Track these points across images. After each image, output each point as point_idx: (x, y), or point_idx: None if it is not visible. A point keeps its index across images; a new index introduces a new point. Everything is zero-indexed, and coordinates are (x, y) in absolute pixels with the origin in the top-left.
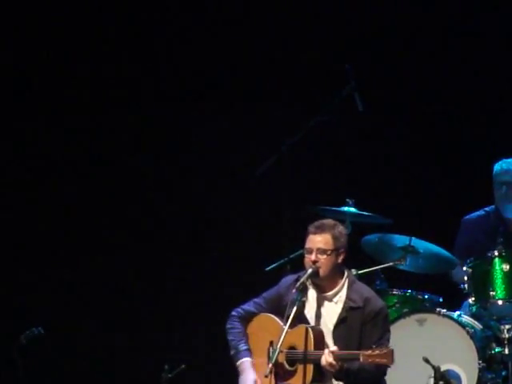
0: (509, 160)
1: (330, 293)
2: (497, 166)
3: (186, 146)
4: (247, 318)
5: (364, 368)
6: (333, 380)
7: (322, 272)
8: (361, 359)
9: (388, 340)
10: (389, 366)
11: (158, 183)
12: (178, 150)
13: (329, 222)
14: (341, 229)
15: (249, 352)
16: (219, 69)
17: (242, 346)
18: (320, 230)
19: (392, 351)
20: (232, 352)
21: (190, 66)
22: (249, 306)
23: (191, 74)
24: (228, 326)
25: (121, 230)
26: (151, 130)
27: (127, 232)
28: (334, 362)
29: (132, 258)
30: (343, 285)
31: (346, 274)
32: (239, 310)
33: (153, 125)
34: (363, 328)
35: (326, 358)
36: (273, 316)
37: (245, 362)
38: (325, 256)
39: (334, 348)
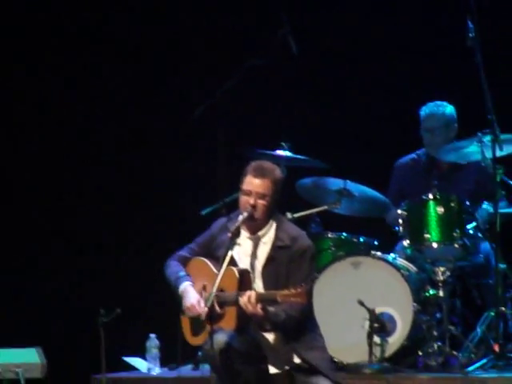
0: (432, 104)
1: (259, 233)
2: (421, 112)
3: (121, 90)
4: (183, 263)
5: (289, 316)
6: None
7: (257, 215)
8: (278, 300)
9: (312, 280)
10: (304, 305)
11: (91, 128)
12: (113, 97)
13: (269, 166)
14: (279, 173)
15: (189, 277)
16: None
17: (181, 273)
18: (261, 174)
19: (306, 289)
20: (172, 283)
21: None
22: (183, 252)
23: None
24: (165, 267)
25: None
26: None
27: (65, 180)
28: (253, 301)
29: (68, 206)
30: (272, 225)
31: (274, 214)
32: (174, 256)
33: None
34: (290, 266)
35: (244, 299)
36: (206, 260)
37: (186, 286)
38: (263, 201)
39: (252, 293)
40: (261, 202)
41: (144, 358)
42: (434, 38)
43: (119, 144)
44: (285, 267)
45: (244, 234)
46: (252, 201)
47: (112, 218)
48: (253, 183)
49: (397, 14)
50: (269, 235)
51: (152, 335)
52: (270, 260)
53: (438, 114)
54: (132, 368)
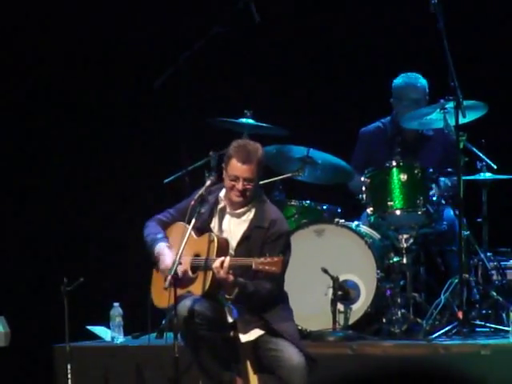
0: (412, 75)
1: (239, 211)
2: (401, 82)
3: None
4: (162, 226)
5: (258, 290)
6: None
7: (245, 199)
8: (253, 266)
9: (287, 263)
10: (277, 275)
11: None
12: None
13: (253, 147)
14: (262, 152)
15: (167, 239)
16: None
17: (159, 235)
18: (248, 159)
19: (282, 260)
20: (148, 243)
21: None
22: (161, 216)
23: None
24: (144, 227)
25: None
26: None
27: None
28: (226, 265)
29: (32, 182)
30: (253, 204)
31: (257, 193)
32: (153, 218)
33: None
34: (263, 247)
35: (216, 264)
36: (186, 225)
37: (162, 246)
38: (250, 185)
39: (227, 258)
40: (248, 186)
41: (108, 326)
42: (396, 3)
43: (80, 116)
44: (258, 247)
45: (224, 208)
46: (240, 186)
47: (75, 186)
48: (239, 169)
49: None
50: (248, 214)
51: (115, 304)
52: (245, 238)
53: (420, 86)
54: (95, 337)
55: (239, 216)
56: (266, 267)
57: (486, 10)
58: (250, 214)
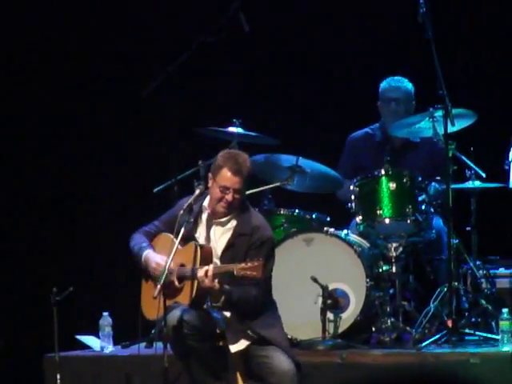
0: (397, 77)
1: (223, 219)
2: (385, 84)
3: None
4: (147, 237)
5: (243, 297)
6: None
7: (232, 209)
8: (235, 273)
9: (271, 269)
10: (259, 279)
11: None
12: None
13: (244, 160)
14: (250, 162)
15: (151, 247)
16: None
17: (144, 244)
18: (238, 171)
19: (262, 264)
20: (135, 253)
21: None
22: (147, 227)
23: None
24: (130, 239)
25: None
26: None
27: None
28: (210, 274)
29: (23, 186)
30: (237, 212)
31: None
32: (139, 230)
33: None
34: (248, 254)
35: (201, 273)
36: (171, 235)
37: (149, 253)
38: (238, 195)
39: (210, 266)
40: (237, 196)
41: (97, 336)
42: (385, 13)
43: (69, 119)
44: (243, 254)
45: (206, 217)
46: (230, 198)
47: (64, 196)
48: (230, 180)
49: None
50: (232, 222)
51: (105, 313)
52: (230, 246)
53: (402, 86)
54: (85, 346)
55: (223, 224)
56: (248, 272)
57: (475, 18)
58: (234, 222)
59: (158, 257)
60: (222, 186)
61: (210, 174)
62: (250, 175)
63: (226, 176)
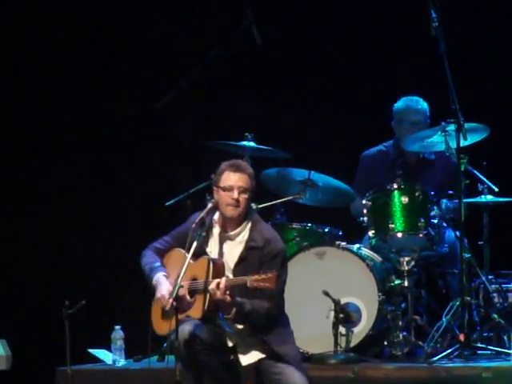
0: (414, 98)
1: (234, 232)
2: (402, 105)
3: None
4: (158, 254)
5: (256, 310)
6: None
7: (239, 211)
8: (248, 283)
9: (284, 281)
10: (273, 291)
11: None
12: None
13: (244, 163)
14: (253, 171)
15: (164, 268)
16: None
17: (156, 264)
18: (239, 169)
19: (276, 275)
20: (146, 273)
21: None
22: (157, 244)
23: None
24: (140, 256)
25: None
26: None
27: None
28: (222, 287)
29: (34, 199)
30: (247, 225)
31: (250, 213)
32: (150, 247)
33: None
34: (260, 267)
35: (212, 285)
36: (182, 251)
37: (159, 277)
38: (245, 195)
39: (222, 279)
40: (243, 196)
41: (109, 349)
42: (397, 27)
43: (81, 133)
44: (256, 268)
45: (217, 231)
46: (235, 195)
47: (76, 210)
48: (233, 178)
49: (359, 3)
50: (243, 234)
51: (117, 327)
52: (242, 260)
53: (421, 109)
54: (97, 360)
55: (234, 238)
56: (261, 284)
57: (488, 32)
58: (245, 235)
59: (165, 288)
60: (227, 186)
61: (213, 187)
62: (254, 180)
63: (229, 176)
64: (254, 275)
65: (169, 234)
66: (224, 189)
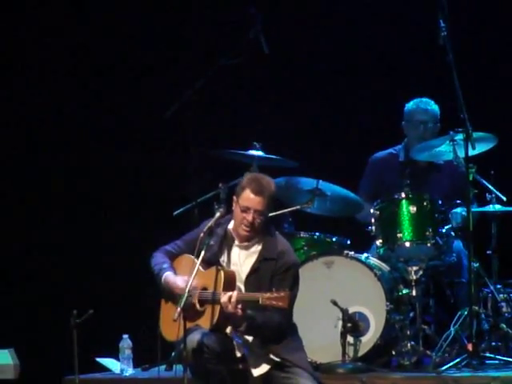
0: (424, 99)
1: (249, 243)
2: (412, 105)
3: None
4: (168, 257)
5: (266, 323)
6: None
7: (253, 231)
8: (260, 301)
9: (295, 296)
10: (285, 310)
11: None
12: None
13: (266, 181)
14: (274, 187)
15: (172, 269)
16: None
17: (165, 265)
18: (260, 191)
19: (289, 294)
20: (155, 272)
21: None
22: (168, 247)
23: None
24: (151, 257)
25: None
26: None
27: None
28: (233, 300)
29: (39, 208)
30: (262, 237)
31: (266, 225)
32: (160, 249)
33: None
34: (273, 279)
35: (224, 298)
36: (192, 257)
37: (169, 275)
38: (260, 218)
39: (234, 293)
40: (258, 219)
41: (117, 358)
42: (406, 36)
43: (88, 143)
44: (268, 279)
45: (232, 241)
46: (250, 218)
47: (84, 217)
48: (251, 200)
49: (368, 12)
50: (257, 246)
51: (125, 336)
52: (255, 271)
53: (430, 109)
54: (105, 369)
55: (247, 248)
56: (274, 302)
57: (497, 41)
58: (259, 246)
59: (179, 279)
60: (244, 207)
61: (234, 197)
62: (274, 199)
63: (249, 197)
64: (267, 293)
65: (180, 239)
66: (241, 207)
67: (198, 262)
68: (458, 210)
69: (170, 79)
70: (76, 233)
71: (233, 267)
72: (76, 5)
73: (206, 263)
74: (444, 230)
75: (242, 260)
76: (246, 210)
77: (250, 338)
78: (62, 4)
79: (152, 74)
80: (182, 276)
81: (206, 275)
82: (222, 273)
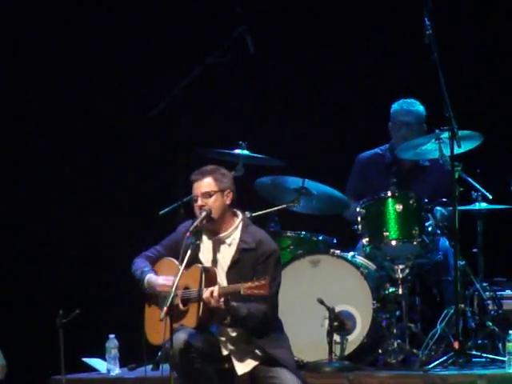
0: (409, 100)
1: (223, 235)
2: (396, 106)
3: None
4: (149, 262)
5: (251, 313)
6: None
7: (213, 213)
8: (242, 292)
9: (278, 283)
10: (267, 297)
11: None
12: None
13: (210, 166)
14: (223, 171)
15: (154, 271)
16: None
17: (146, 268)
18: (200, 175)
19: (269, 281)
20: (137, 277)
21: None
22: (148, 252)
23: None
24: (132, 264)
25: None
26: None
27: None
28: (215, 295)
29: (27, 206)
30: (237, 227)
31: (239, 216)
32: (140, 255)
33: None
34: (255, 269)
35: (206, 294)
36: (174, 260)
37: (151, 276)
38: (210, 199)
39: (215, 287)
40: (208, 200)
41: (103, 358)
42: (391, 35)
43: (74, 141)
44: (249, 270)
45: (207, 236)
46: (199, 202)
47: (71, 218)
48: (196, 186)
49: (352, 10)
50: (233, 237)
51: (111, 336)
52: (235, 263)
53: (414, 110)
54: (91, 369)
55: (224, 241)
56: (255, 291)
57: (482, 39)
58: (235, 238)
59: (162, 278)
60: (193, 197)
61: None
62: (226, 181)
63: (193, 186)
64: (248, 282)
65: (159, 244)
66: (193, 199)
67: (184, 262)
68: (438, 208)
69: (156, 78)
70: (62, 233)
71: (213, 263)
72: (61, 5)
73: (186, 262)
74: (430, 229)
75: (220, 254)
76: (196, 199)
77: (234, 334)
78: (48, 4)
79: (138, 73)
80: (165, 276)
81: (187, 274)
82: (202, 270)
